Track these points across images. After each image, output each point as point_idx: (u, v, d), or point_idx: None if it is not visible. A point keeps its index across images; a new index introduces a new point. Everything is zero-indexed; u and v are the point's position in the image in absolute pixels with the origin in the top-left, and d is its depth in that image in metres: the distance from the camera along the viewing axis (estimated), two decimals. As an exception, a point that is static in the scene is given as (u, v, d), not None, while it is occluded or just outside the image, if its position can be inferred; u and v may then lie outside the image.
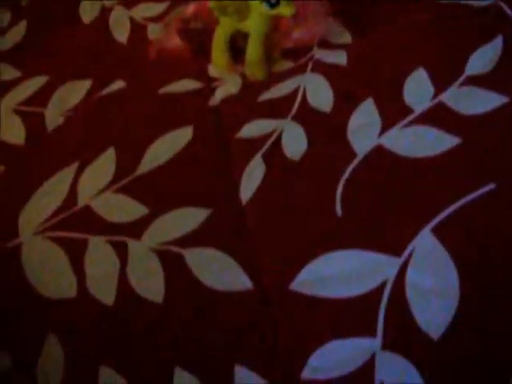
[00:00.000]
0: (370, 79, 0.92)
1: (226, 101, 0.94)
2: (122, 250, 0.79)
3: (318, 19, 0.95)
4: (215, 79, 0.98)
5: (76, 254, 0.80)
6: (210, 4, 0.91)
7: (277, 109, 0.90)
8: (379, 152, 0.81)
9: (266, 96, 0.93)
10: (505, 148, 0.78)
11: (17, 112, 1.03)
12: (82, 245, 0.80)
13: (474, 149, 0.78)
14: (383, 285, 0.68)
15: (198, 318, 0.72)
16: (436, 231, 0.70)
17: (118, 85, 1.01)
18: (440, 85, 0.87)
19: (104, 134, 0.94)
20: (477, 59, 0.89)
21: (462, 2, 0.98)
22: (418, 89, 0.87)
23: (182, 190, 0.84)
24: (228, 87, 0.96)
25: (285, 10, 0.86)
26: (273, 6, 0.86)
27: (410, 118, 0.83)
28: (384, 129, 0.83)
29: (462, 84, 0.86)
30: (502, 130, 0.80)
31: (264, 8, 0.87)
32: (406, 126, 0.83)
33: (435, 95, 0.85)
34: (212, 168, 0.86)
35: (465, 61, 0.89)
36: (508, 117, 0.81)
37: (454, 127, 0.81)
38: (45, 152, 0.96)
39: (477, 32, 0.94)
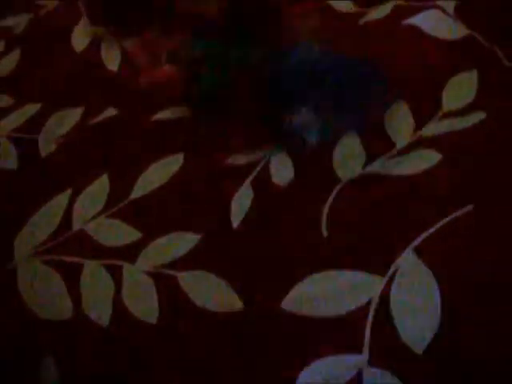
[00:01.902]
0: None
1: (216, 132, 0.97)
2: (117, 273, 0.82)
3: None
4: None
5: (71, 277, 0.83)
6: None
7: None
8: (363, 176, 0.85)
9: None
10: (483, 167, 0.82)
11: (10, 138, 1.06)
12: (78, 268, 0.83)
13: (453, 167, 0.83)
14: (369, 303, 0.71)
15: (191, 338, 0.74)
16: (418, 251, 0.74)
17: (110, 112, 1.04)
18: (420, 119, 0.91)
19: (97, 160, 0.98)
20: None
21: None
22: (398, 121, 0.91)
23: (174, 214, 0.88)
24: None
25: None
26: None
27: (392, 152, 0.87)
28: (368, 160, 0.87)
29: (442, 117, 0.91)
30: (481, 147, 0.85)
31: None
32: (390, 157, 0.87)
33: (415, 130, 0.90)
34: (203, 194, 0.89)
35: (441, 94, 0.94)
36: (485, 134, 0.86)
37: (435, 145, 0.86)
38: (39, 178, 0.99)
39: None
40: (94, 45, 1.20)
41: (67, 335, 0.78)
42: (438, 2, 1.09)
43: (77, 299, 0.80)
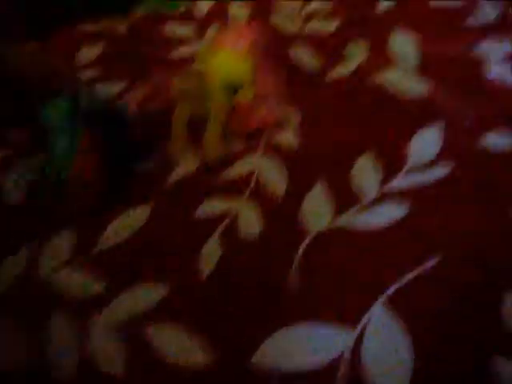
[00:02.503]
0: (320, 162, 0.97)
1: (183, 181, 0.97)
2: (82, 327, 0.80)
3: (273, 104, 1.00)
4: (173, 159, 1.01)
5: (36, 329, 0.80)
6: (172, 88, 0.96)
7: (233, 189, 0.95)
8: (331, 229, 0.86)
9: (223, 176, 0.97)
10: (449, 220, 0.84)
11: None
12: (42, 320, 0.81)
13: (420, 220, 0.84)
14: (340, 357, 0.71)
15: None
16: (388, 304, 0.74)
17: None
18: (386, 173, 0.93)
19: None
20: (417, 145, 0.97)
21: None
22: (365, 176, 0.93)
23: (142, 266, 0.86)
24: (185, 167, 0.99)
25: (244, 96, 0.91)
26: (233, 92, 0.91)
27: (360, 205, 0.89)
28: (336, 213, 0.88)
29: (408, 171, 0.93)
30: (447, 201, 0.86)
31: (225, 94, 0.92)
32: (357, 210, 0.88)
33: (382, 184, 0.91)
34: (171, 246, 0.89)
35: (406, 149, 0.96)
36: (451, 188, 0.88)
37: (401, 198, 0.87)
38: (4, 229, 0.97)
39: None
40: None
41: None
42: (402, 61, 1.13)
43: (42, 352, 0.78)
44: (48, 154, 0.87)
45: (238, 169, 0.98)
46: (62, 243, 0.91)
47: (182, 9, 1.32)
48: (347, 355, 0.71)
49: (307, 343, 0.73)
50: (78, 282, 0.85)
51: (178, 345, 0.76)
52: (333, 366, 0.70)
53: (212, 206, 0.93)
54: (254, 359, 0.73)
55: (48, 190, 0.89)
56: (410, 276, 0.76)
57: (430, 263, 0.77)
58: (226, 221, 0.90)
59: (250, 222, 0.89)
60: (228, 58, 0.93)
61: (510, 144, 0.94)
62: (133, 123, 0.94)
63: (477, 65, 1.11)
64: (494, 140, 0.95)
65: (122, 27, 1.28)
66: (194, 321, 0.78)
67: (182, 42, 1.23)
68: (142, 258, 0.88)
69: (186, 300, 0.81)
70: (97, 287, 0.84)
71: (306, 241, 0.84)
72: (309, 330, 0.74)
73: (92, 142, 0.87)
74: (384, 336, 0.72)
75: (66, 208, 0.90)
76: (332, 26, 1.26)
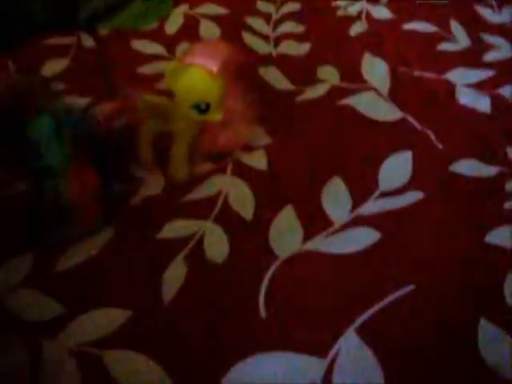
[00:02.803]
0: (289, 185, 0.95)
1: (148, 200, 0.94)
2: (35, 350, 0.75)
3: (243, 124, 0.98)
4: (138, 179, 0.98)
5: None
6: (139, 104, 0.93)
7: (199, 210, 0.91)
8: (301, 254, 0.83)
9: (188, 197, 0.94)
10: (422, 245, 0.82)
11: None
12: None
13: (392, 246, 0.82)
14: (310, 387, 0.68)
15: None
16: (360, 332, 0.71)
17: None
18: (357, 198, 0.91)
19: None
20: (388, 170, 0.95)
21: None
22: (335, 200, 0.91)
23: (102, 289, 0.82)
24: (151, 187, 0.96)
25: (213, 116, 0.89)
26: (202, 111, 0.88)
27: (331, 230, 0.86)
28: (306, 237, 0.86)
29: (378, 197, 0.91)
30: (419, 226, 0.85)
31: (193, 113, 0.89)
32: (328, 235, 0.86)
33: (353, 209, 0.89)
34: (133, 268, 0.85)
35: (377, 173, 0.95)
36: (423, 211, 0.87)
37: (373, 224, 0.85)
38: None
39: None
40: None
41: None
42: (373, 85, 1.12)
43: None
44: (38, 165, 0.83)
45: (205, 190, 0.95)
46: (19, 262, 0.86)
47: (154, 25, 1.30)
48: (318, 384, 0.68)
49: (277, 371, 0.70)
50: (33, 302, 0.81)
51: (137, 375, 0.72)
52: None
53: (177, 228, 0.89)
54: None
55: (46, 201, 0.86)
56: (384, 302, 0.74)
57: (405, 290, 0.75)
58: (191, 243, 0.86)
59: (217, 244, 0.86)
60: (198, 75, 0.90)
61: (479, 170, 0.93)
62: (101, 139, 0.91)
63: (449, 90, 1.10)
64: (466, 165, 0.94)
65: (89, 41, 1.25)
66: (155, 348, 0.74)
67: (150, 58, 1.20)
68: (103, 280, 0.83)
69: (147, 326, 0.77)
70: (53, 309, 0.79)
71: (275, 265, 0.81)
72: (278, 359, 0.71)
73: (83, 166, 0.85)
74: (355, 364, 0.69)
75: (68, 232, 0.86)
76: (304, 48, 1.24)
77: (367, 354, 0.70)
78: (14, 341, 0.76)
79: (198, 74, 0.89)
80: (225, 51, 0.96)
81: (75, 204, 0.85)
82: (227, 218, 0.90)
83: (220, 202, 0.92)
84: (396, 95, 1.10)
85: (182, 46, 1.23)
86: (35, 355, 0.75)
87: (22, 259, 0.85)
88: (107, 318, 0.78)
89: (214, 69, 0.89)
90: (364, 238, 0.84)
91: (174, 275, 0.83)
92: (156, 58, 1.21)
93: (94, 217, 0.88)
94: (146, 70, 1.18)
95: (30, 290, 0.82)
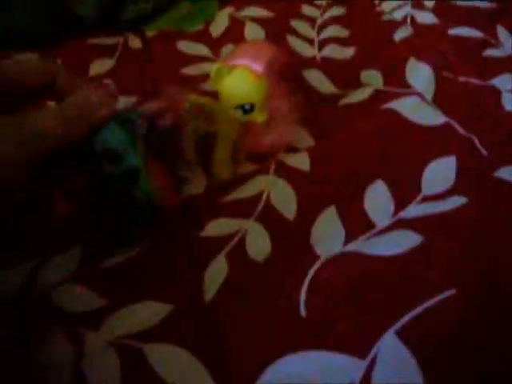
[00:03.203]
0: (332, 187, 0.95)
1: (191, 200, 0.95)
2: (77, 342, 0.76)
3: (286, 125, 0.98)
4: (182, 178, 0.99)
5: (31, 343, 0.77)
6: (184, 104, 0.94)
7: (241, 209, 0.92)
8: (342, 255, 0.83)
9: (231, 197, 0.94)
10: (463, 251, 0.81)
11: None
12: (36, 335, 0.78)
13: (435, 250, 0.82)
14: (349, 388, 0.68)
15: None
16: (400, 334, 0.71)
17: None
18: (399, 201, 0.91)
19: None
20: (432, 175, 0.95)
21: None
22: (378, 202, 0.91)
23: (144, 284, 0.83)
24: (194, 186, 0.97)
25: (258, 117, 0.89)
26: (246, 112, 0.89)
27: (372, 232, 0.86)
28: (347, 239, 0.86)
29: (422, 200, 0.90)
30: (461, 232, 0.84)
31: (237, 114, 0.89)
32: (369, 237, 0.86)
33: (395, 213, 0.89)
34: (175, 264, 0.86)
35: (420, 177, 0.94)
36: (466, 216, 0.86)
37: (415, 227, 0.85)
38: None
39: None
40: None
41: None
42: (418, 90, 1.11)
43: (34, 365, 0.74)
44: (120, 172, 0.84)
45: (248, 190, 0.95)
46: (66, 259, 0.87)
47: (199, 27, 1.31)
48: (357, 384, 0.68)
49: (315, 371, 0.70)
50: (79, 297, 0.82)
51: (180, 367, 0.73)
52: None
53: (219, 226, 0.90)
54: (257, 385, 0.69)
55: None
56: (423, 307, 0.74)
57: (446, 294, 0.75)
58: (234, 241, 0.87)
59: (259, 243, 0.87)
60: (242, 76, 0.90)
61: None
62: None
63: (494, 96, 1.09)
64: (511, 172, 0.94)
65: (135, 42, 1.27)
66: (196, 343, 0.75)
67: (195, 59, 1.22)
68: (146, 275, 0.85)
69: (188, 322, 0.78)
70: (96, 302, 0.81)
71: (317, 265, 0.82)
72: (317, 358, 0.71)
73: (155, 162, 0.86)
74: (395, 365, 0.69)
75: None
76: (348, 52, 1.25)
77: (407, 355, 0.69)
78: (57, 333, 0.78)
79: (243, 74, 0.89)
80: (269, 52, 0.96)
81: (160, 200, 0.85)
82: (269, 217, 0.90)
83: (262, 201, 0.93)
84: (440, 100, 1.09)
85: (227, 48, 1.24)
86: (77, 347, 0.76)
87: (69, 255, 0.87)
88: (149, 312, 0.79)
89: (259, 69, 0.89)
90: (406, 241, 0.83)
91: (215, 273, 0.83)
92: (201, 59, 1.23)
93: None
94: (191, 71, 1.20)
95: (75, 284, 0.84)
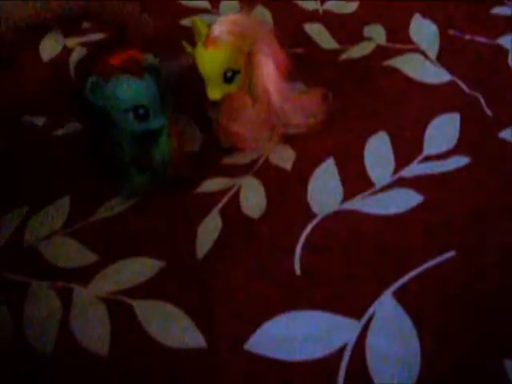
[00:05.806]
0: (331, 140, 0.92)
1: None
2: (66, 296, 0.75)
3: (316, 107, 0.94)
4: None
5: (15, 297, 0.75)
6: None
7: (239, 170, 0.89)
8: (339, 212, 0.81)
9: (229, 160, 0.91)
10: (464, 211, 0.79)
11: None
12: (23, 288, 0.76)
13: (434, 210, 0.80)
14: (342, 348, 0.66)
15: (145, 374, 0.67)
16: (397, 295, 0.69)
17: (75, 126, 0.98)
18: (400, 159, 0.88)
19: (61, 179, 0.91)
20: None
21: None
22: (378, 160, 0.89)
23: (136, 240, 0.81)
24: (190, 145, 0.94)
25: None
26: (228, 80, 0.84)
27: (371, 190, 0.84)
28: (345, 196, 0.83)
29: (423, 160, 0.88)
30: (462, 192, 0.82)
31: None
32: (368, 195, 0.83)
33: (396, 170, 0.87)
34: (168, 220, 0.83)
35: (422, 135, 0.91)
36: (469, 177, 0.84)
37: (416, 186, 0.83)
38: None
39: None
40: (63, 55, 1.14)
41: (4, 362, 0.70)
42: (421, 47, 1.08)
43: (19, 322, 0.73)
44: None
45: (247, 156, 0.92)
46: (55, 211, 0.85)
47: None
48: (350, 346, 0.66)
49: (309, 331, 0.68)
50: (67, 250, 0.80)
51: (170, 323, 0.71)
52: (334, 357, 0.65)
53: (215, 184, 0.87)
54: (248, 345, 0.68)
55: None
56: (421, 268, 0.72)
57: (445, 256, 0.73)
58: (227, 196, 0.85)
59: (253, 199, 0.84)
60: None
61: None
62: None
63: (501, 55, 1.06)
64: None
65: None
66: (187, 300, 0.73)
67: (194, 11, 1.19)
68: (137, 231, 0.82)
69: (179, 278, 0.76)
70: (86, 257, 0.79)
71: (313, 222, 0.79)
72: (312, 318, 0.69)
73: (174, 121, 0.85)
74: (391, 326, 0.67)
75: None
76: (351, 7, 1.21)
77: (403, 316, 0.67)
78: (45, 288, 0.76)
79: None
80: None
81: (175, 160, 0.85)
82: (266, 173, 0.88)
83: (261, 161, 0.90)
84: (445, 58, 1.06)
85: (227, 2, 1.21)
86: (66, 301, 0.74)
87: (59, 205, 0.85)
88: (140, 268, 0.77)
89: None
90: (405, 200, 0.81)
91: (209, 229, 0.81)
92: (200, 11, 1.20)
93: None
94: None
95: (64, 237, 0.82)
